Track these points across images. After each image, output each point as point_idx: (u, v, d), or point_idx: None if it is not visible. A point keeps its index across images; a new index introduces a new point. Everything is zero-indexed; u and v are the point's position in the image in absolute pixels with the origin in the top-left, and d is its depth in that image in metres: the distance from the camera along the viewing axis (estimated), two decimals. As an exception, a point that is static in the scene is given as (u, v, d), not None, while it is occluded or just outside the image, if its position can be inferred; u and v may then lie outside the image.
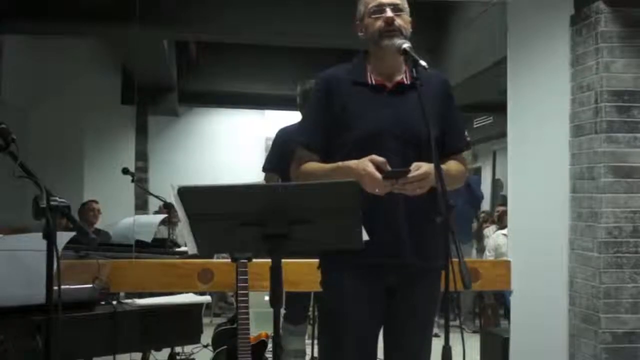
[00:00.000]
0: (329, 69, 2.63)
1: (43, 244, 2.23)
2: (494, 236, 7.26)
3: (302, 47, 8.37)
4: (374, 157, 2.35)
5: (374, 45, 2.54)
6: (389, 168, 2.35)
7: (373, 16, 2.52)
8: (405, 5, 2.58)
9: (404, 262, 2.47)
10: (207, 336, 4.26)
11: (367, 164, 2.34)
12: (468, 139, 2.82)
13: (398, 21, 2.50)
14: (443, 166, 2.50)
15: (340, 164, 2.44)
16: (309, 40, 7.68)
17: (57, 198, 2.24)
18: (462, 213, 7.00)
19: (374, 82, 2.55)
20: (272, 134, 4.50)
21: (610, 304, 3.89)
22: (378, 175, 2.32)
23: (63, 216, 2.26)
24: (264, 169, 4.38)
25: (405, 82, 2.55)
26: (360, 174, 2.33)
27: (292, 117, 4.33)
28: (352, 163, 2.39)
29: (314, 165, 2.53)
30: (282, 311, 4.06)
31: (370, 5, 2.54)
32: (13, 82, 6.84)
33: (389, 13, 2.50)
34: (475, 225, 8.09)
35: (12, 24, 6.40)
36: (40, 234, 2.22)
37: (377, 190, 2.33)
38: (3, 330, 2.69)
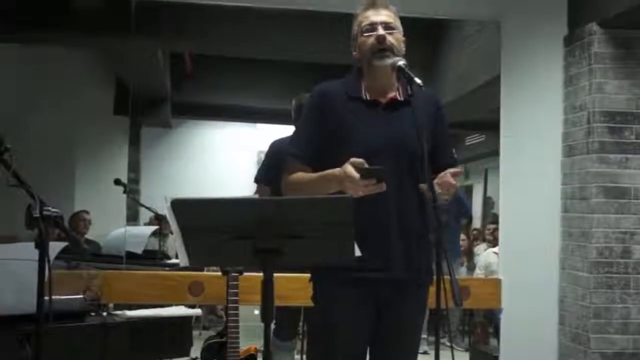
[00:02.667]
0: (323, 83, 2.64)
1: (35, 254, 2.22)
2: (484, 254, 7.26)
3: (296, 62, 8.38)
4: (353, 159, 2.33)
5: (366, 63, 2.56)
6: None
7: (365, 34, 2.54)
8: (398, 24, 2.59)
9: (396, 277, 2.48)
10: (196, 349, 4.24)
11: (346, 167, 2.32)
12: (455, 155, 2.85)
13: (390, 39, 2.52)
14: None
15: (324, 172, 2.43)
16: (303, 55, 7.70)
17: (50, 208, 2.24)
18: (451, 229, 7.02)
19: (368, 97, 2.57)
20: (265, 147, 4.51)
21: (600, 324, 3.91)
22: (356, 174, 2.30)
23: (56, 226, 2.26)
24: (256, 181, 4.38)
25: (399, 98, 2.57)
26: (341, 178, 2.33)
27: (285, 131, 4.34)
28: (335, 170, 2.38)
29: (301, 175, 2.54)
30: (272, 326, 4.05)
31: (363, 24, 2.56)
32: (5, 91, 6.83)
33: (380, 31, 2.52)
34: (466, 243, 8.10)
35: (6, 33, 6.39)
36: (32, 244, 2.22)
37: (360, 193, 2.30)
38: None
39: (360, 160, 2.33)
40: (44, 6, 6.23)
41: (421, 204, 2.51)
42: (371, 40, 2.52)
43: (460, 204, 7.48)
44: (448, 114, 2.75)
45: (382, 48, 2.50)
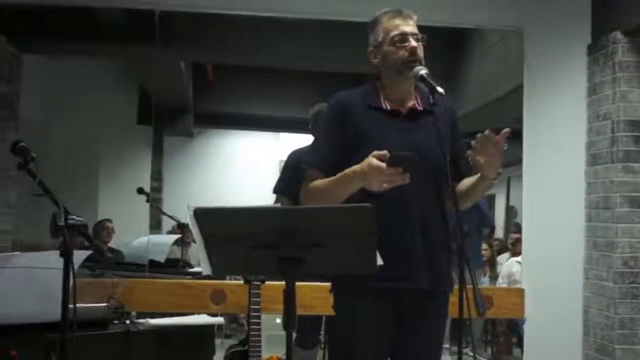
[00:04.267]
0: (342, 92, 2.63)
1: (59, 262, 2.24)
2: (507, 263, 7.22)
3: (317, 71, 8.41)
4: (376, 152, 2.31)
5: (394, 73, 2.53)
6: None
7: (397, 44, 2.51)
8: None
9: (419, 286, 2.46)
10: (218, 357, 4.24)
11: (369, 159, 2.30)
12: (470, 164, 2.84)
13: (419, 51, 2.51)
14: (466, 182, 2.57)
15: (344, 171, 2.41)
16: (324, 64, 7.72)
17: (74, 217, 2.26)
18: (472, 238, 6.99)
19: (388, 107, 2.56)
20: (286, 157, 4.52)
21: (626, 335, 3.86)
22: (381, 163, 2.27)
23: (80, 235, 2.28)
24: (275, 191, 4.39)
25: (418, 107, 2.56)
26: (364, 171, 2.31)
27: (306, 140, 4.34)
28: (356, 166, 2.36)
29: (320, 181, 2.52)
30: (294, 335, 4.04)
31: (393, 34, 2.52)
32: (31, 100, 6.90)
33: (413, 43, 2.50)
34: (488, 252, 8.05)
35: (32, 44, 6.47)
36: (56, 252, 2.24)
37: (384, 185, 2.29)
38: (18, 347, 2.70)
39: (384, 152, 2.30)
40: (69, 18, 6.30)
41: (443, 213, 2.51)
42: (402, 51, 2.50)
43: (482, 214, 7.44)
44: (467, 123, 2.75)
45: (413, 59, 2.50)
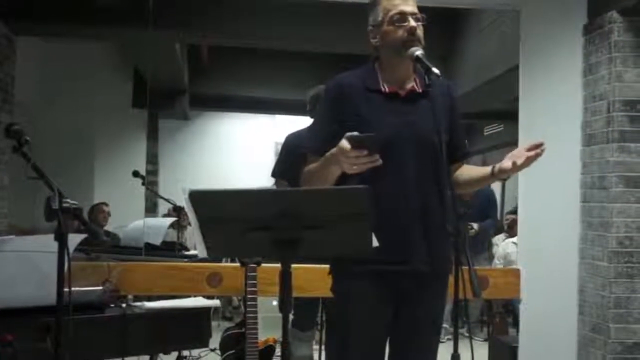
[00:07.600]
0: (340, 74, 2.61)
1: (54, 246, 2.24)
2: (503, 244, 7.23)
3: (313, 53, 8.39)
4: (349, 133, 2.29)
5: (393, 54, 2.51)
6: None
7: (396, 24, 2.49)
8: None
9: (417, 269, 2.46)
10: (214, 340, 4.26)
11: (342, 141, 2.28)
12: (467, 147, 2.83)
13: (418, 31, 2.50)
14: (470, 172, 2.58)
15: (325, 155, 2.40)
16: (321, 46, 7.70)
17: (69, 200, 2.25)
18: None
19: (387, 89, 2.54)
20: (282, 139, 4.50)
21: (620, 314, 3.88)
22: (347, 145, 2.25)
23: (75, 218, 2.27)
24: (274, 175, 4.38)
25: (417, 89, 2.55)
26: (335, 154, 2.30)
27: (302, 122, 4.33)
28: (333, 149, 2.34)
29: (311, 166, 2.52)
30: (291, 317, 4.06)
31: (392, 13, 2.49)
32: (26, 83, 6.88)
33: (412, 23, 2.47)
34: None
35: (26, 26, 6.43)
36: (51, 236, 2.24)
37: (354, 168, 2.27)
38: (14, 331, 2.70)
39: (355, 132, 2.28)
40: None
41: (441, 195, 2.50)
42: (401, 31, 2.47)
43: (492, 224, 7.34)
44: (462, 104, 2.73)
45: (412, 39, 2.47)
